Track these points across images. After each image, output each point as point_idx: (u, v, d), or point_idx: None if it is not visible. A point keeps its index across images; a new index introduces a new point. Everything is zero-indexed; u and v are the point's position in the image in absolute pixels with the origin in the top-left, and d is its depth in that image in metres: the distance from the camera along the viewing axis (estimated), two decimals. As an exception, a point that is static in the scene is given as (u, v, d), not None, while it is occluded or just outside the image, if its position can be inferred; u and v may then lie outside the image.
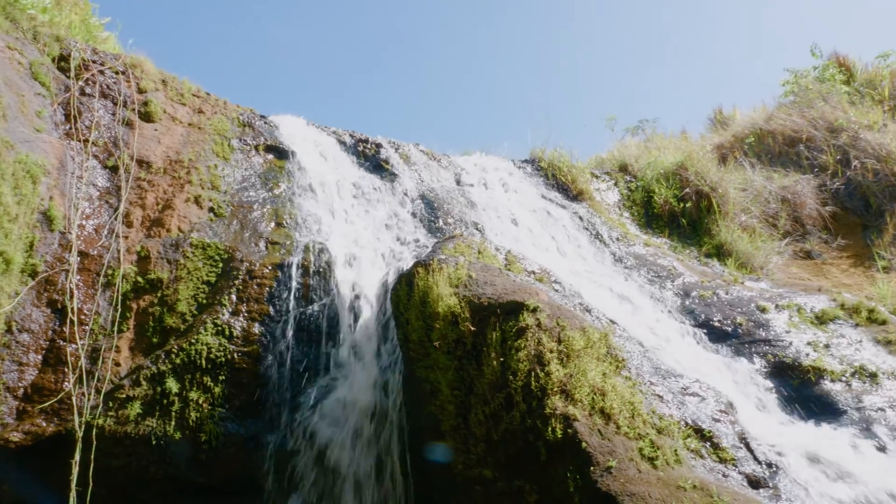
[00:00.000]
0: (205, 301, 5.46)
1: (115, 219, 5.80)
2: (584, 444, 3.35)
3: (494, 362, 3.80)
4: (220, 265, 5.63)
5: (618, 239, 6.60)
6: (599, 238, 6.56)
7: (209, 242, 5.78)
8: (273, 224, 6.03)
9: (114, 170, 6.14)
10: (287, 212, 6.15)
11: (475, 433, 3.76)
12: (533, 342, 3.79)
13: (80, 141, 6.11)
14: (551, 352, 3.74)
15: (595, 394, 3.57)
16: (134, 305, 5.44)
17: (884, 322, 5.43)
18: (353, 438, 4.68)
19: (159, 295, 5.47)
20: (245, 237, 5.86)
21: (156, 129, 6.67)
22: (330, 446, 4.72)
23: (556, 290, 4.73)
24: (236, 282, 5.46)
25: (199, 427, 4.87)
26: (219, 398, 4.99)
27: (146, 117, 6.69)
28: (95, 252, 5.55)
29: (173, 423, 4.87)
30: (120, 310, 5.36)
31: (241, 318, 5.29)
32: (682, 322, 5.29)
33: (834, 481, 3.69)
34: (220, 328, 5.22)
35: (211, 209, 6.16)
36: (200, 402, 4.96)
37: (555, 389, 3.58)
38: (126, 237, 5.74)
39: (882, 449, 4.07)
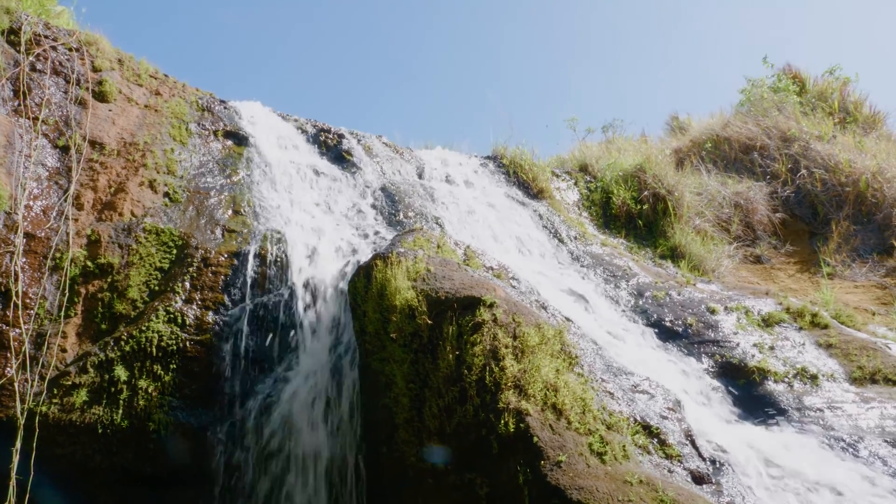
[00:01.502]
0: (157, 288, 5.34)
1: (65, 200, 5.62)
2: (535, 439, 3.40)
3: (450, 356, 3.82)
4: (175, 252, 5.51)
5: (576, 238, 6.69)
6: (558, 236, 6.64)
7: (163, 228, 5.65)
8: (230, 211, 5.93)
9: (64, 150, 5.94)
10: (245, 199, 6.04)
11: (429, 426, 3.78)
12: (489, 337, 3.82)
13: (29, 119, 5.89)
14: (506, 347, 3.77)
15: (548, 389, 3.63)
16: (82, 290, 5.28)
17: (826, 326, 5.65)
18: (308, 429, 4.65)
19: (109, 280, 5.33)
20: (201, 224, 5.74)
21: (110, 110, 6.48)
22: (283, 437, 4.68)
23: (514, 287, 4.78)
24: (191, 269, 5.35)
25: (148, 416, 4.77)
26: (169, 387, 4.89)
27: (100, 97, 6.48)
28: (43, 234, 5.37)
29: (121, 411, 4.75)
30: (67, 294, 5.20)
31: (194, 307, 5.19)
32: (635, 321, 5.40)
33: (774, 477, 3.83)
34: (172, 316, 5.11)
35: (166, 194, 6.02)
36: (150, 390, 4.86)
37: (509, 384, 3.62)
38: (76, 220, 5.57)
39: (819, 448, 4.23)
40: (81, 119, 6.19)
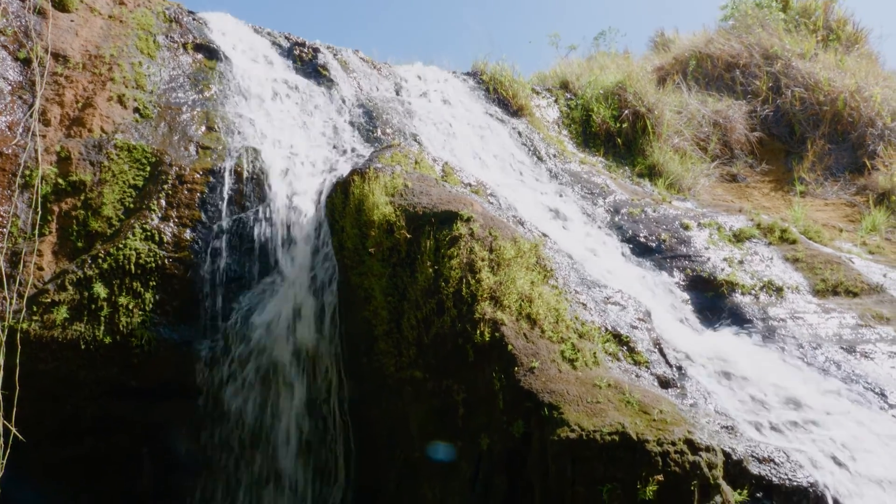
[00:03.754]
0: (132, 206, 5.28)
1: (31, 116, 5.44)
2: (510, 347, 3.53)
3: (428, 269, 3.88)
4: (148, 169, 5.42)
5: (555, 156, 6.69)
6: (537, 154, 6.63)
7: (135, 145, 5.53)
8: (204, 128, 5.80)
9: (26, 63, 5.70)
10: (219, 115, 5.91)
11: (407, 337, 3.89)
12: (465, 251, 3.88)
13: (-15, 28, 5.61)
14: (483, 260, 3.84)
15: (523, 300, 3.73)
16: (55, 208, 5.21)
17: (794, 241, 5.80)
18: (287, 344, 4.75)
19: (82, 198, 5.25)
20: (174, 140, 5.63)
21: (72, 20, 6.18)
22: (264, 352, 4.79)
23: (491, 203, 4.81)
24: (165, 186, 5.28)
25: (131, 332, 4.83)
26: (150, 304, 4.93)
27: (60, 6, 6.17)
28: (10, 151, 5.23)
29: (103, 327, 4.80)
30: (40, 213, 5.13)
31: (171, 224, 5.17)
32: (610, 237, 5.50)
33: (735, 381, 4.03)
34: (149, 233, 5.09)
35: (136, 110, 5.86)
36: (131, 307, 4.90)
37: (485, 296, 3.71)
38: (44, 136, 5.42)
39: (780, 355, 4.45)
40: (42, 30, 5.91)
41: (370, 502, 4.18)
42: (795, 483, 3.23)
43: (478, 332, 3.60)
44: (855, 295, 5.18)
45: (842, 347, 4.53)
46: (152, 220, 5.15)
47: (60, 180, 5.27)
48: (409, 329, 3.88)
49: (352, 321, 4.37)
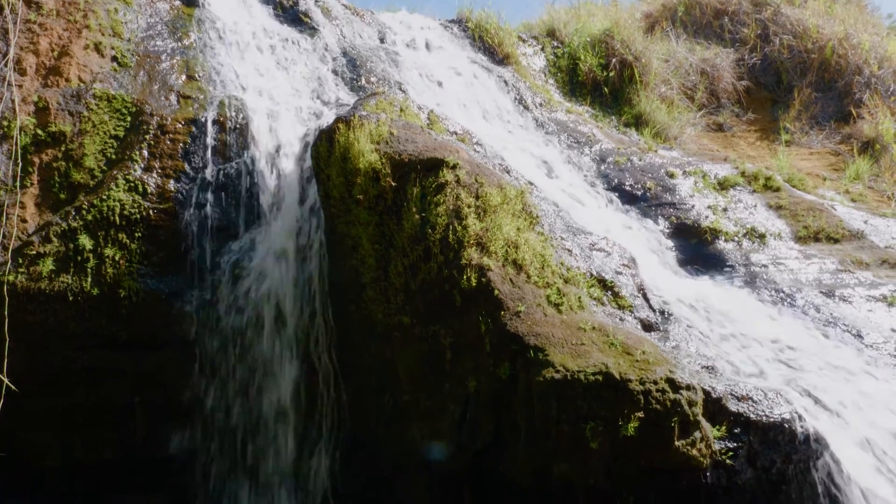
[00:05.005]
0: (114, 156, 5.21)
1: (6, 65, 5.30)
2: (496, 292, 3.57)
3: (414, 217, 3.90)
4: (129, 119, 5.32)
5: (541, 105, 6.64)
6: (523, 103, 6.58)
7: (114, 94, 5.41)
8: (184, 77, 5.68)
9: (-3, 9, 5.51)
10: (199, 64, 5.78)
11: (394, 284, 3.92)
12: (452, 197, 3.89)
13: (-48, -28, 5.41)
14: (469, 207, 3.86)
15: (509, 246, 3.76)
16: (36, 160, 5.13)
17: (778, 189, 5.86)
18: (275, 293, 4.78)
19: (63, 149, 5.17)
20: (154, 90, 5.52)
21: (43, -36, 5.95)
22: (253, 302, 4.81)
23: (477, 152, 4.79)
24: (147, 137, 5.21)
25: (118, 283, 4.84)
26: (136, 255, 4.92)
27: (30, -51, 5.93)
28: (-15, 101, 5.11)
29: (90, 279, 4.80)
30: (21, 164, 5.05)
31: (154, 175, 5.12)
32: (596, 185, 5.52)
33: (716, 324, 4.13)
34: (132, 184, 5.04)
35: (114, 58, 5.72)
36: (117, 258, 4.88)
37: (471, 242, 3.74)
38: (20, 86, 5.29)
39: (761, 299, 4.54)
40: (11, -26, 5.70)
41: (360, 445, 4.28)
42: (771, 419, 3.34)
43: (464, 277, 3.64)
44: (836, 241, 5.27)
45: (821, 292, 4.63)
46: (135, 170, 5.09)
47: (39, 131, 5.18)
48: (397, 276, 3.92)
49: (339, 270, 4.39)
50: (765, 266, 4.88)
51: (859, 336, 4.20)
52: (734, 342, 4.01)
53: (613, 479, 3.25)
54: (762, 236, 5.18)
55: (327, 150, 4.38)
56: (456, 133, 4.91)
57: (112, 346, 4.86)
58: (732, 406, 3.35)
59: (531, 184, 4.72)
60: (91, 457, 4.86)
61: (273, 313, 4.72)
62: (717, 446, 3.25)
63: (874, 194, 6.92)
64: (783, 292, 4.57)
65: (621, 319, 3.77)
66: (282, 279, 4.68)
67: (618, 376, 3.17)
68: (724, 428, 3.30)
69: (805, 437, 3.29)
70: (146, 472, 4.82)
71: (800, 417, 3.35)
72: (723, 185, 5.70)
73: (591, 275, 3.95)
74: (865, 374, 3.82)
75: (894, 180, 7.29)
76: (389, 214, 4.03)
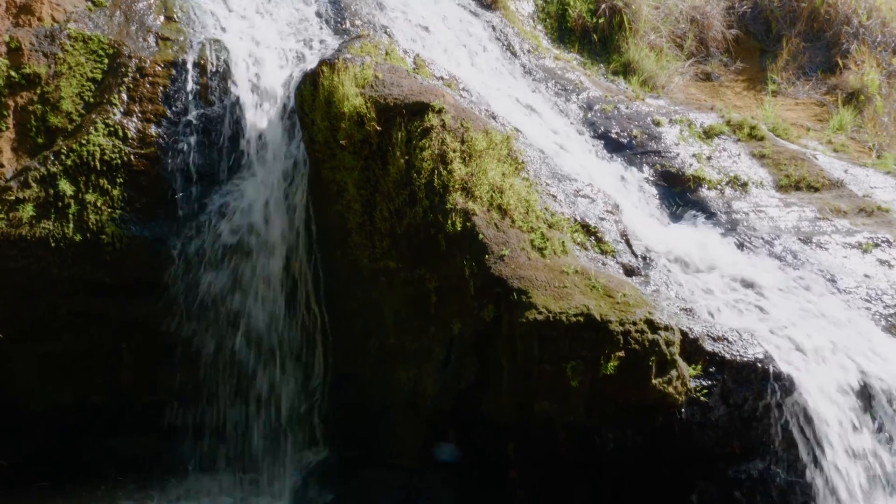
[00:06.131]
0: (92, 100, 5.10)
1: (-26, 3, 5.12)
2: (480, 236, 3.61)
3: (400, 161, 3.89)
4: (106, 61, 5.19)
5: (529, 51, 6.56)
6: (511, 49, 6.49)
7: (90, 35, 5.26)
8: (162, 18, 5.52)
9: (-36, -57, 5.28)
10: (177, 5, 5.60)
11: (380, 228, 3.95)
12: (437, 142, 3.88)
13: None
14: (454, 151, 3.86)
15: (494, 191, 3.78)
16: (11, 103, 5.01)
17: (762, 138, 5.89)
18: (260, 239, 4.78)
19: (39, 92, 5.05)
20: (131, 31, 5.36)
21: None
22: (238, 248, 4.82)
23: (464, 97, 4.75)
24: (126, 80, 5.09)
25: (101, 230, 4.82)
26: (118, 201, 4.89)
27: None
28: (-44, 40, 4.95)
29: (72, 225, 4.77)
30: (-5, 107, 4.94)
31: (134, 119, 5.03)
32: (582, 133, 5.51)
33: (696, 269, 4.21)
34: (112, 129, 4.96)
35: (88, -3, 5.53)
36: (99, 204, 4.85)
37: (456, 187, 3.75)
38: (-9, 25, 5.12)
39: (741, 245, 4.63)
40: None
41: (348, 388, 4.37)
42: (745, 359, 3.46)
43: (449, 221, 3.67)
44: (816, 190, 5.34)
45: (799, 238, 4.72)
46: (114, 114, 5.00)
47: (13, 73, 5.04)
48: (382, 221, 3.94)
49: (324, 215, 4.40)
50: (746, 213, 4.95)
51: (833, 281, 4.30)
52: (713, 285, 4.10)
53: (592, 416, 3.36)
54: (745, 184, 5.23)
55: (311, 93, 4.32)
56: (442, 78, 4.85)
57: (97, 292, 4.87)
58: (708, 346, 3.46)
59: (517, 130, 4.70)
60: (79, 401, 4.92)
61: (259, 260, 4.73)
62: (692, 384, 3.37)
63: (856, 145, 6.98)
64: (762, 239, 4.65)
65: (604, 264, 3.84)
66: (267, 225, 4.68)
67: (599, 317, 3.25)
68: (699, 367, 3.41)
69: (776, 376, 3.42)
70: (136, 416, 4.89)
71: (772, 357, 3.47)
72: (708, 134, 5.72)
73: (575, 220, 3.99)
74: (837, 317, 3.93)
75: (876, 131, 7.34)
76: (374, 159, 4.02)
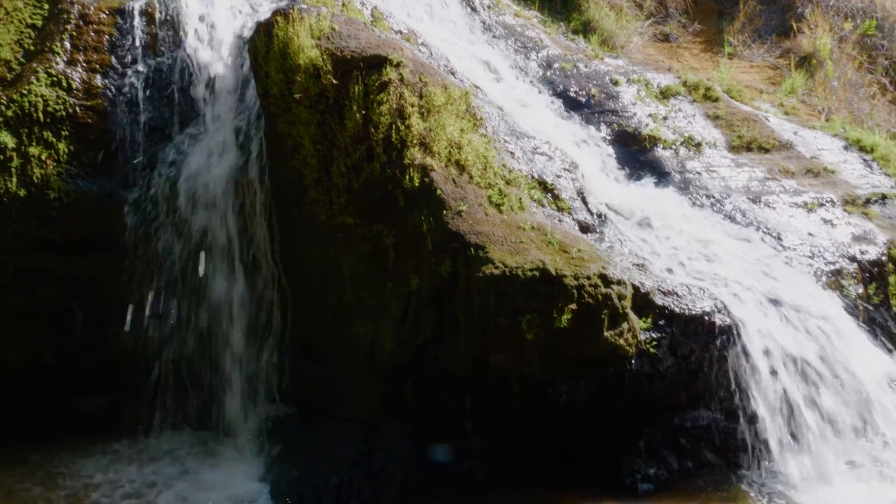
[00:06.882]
0: (32, 48, 4.86)
1: None
2: (438, 192, 3.62)
3: (357, 116, 3.84)
4: (46, 6, 4.93)
5: (489, 7, 6.48)
6: (471, 5, 6.39)
7: (28, -22, 4.98)
8: (106, -38, 5.25)
9: None
10: (122, -52, 5.33)
11: (337, 184, 3.91)
12: (395, 96, 3.84)
13: None
14: (412, 106, 3.82)
15: (452, 147, 3.78)
16: (-56, 49, 4.75)
17: (717, 100, 5.99)
18: (215, 197, 4.68)
19: (-26, 38, 4.78)
20: (73, -25, 5.09)
21: None
22: (191, 206, 4.71)
23: (422, 52, 4.69)
24: (68, 27, 4.85)
25: (46, 184, 4.65)
26: (64, 155, 4.71)
27: None
28: None
29: (15, 179, 4.59)
30: (-74, 53, 4.67)
31: (79, 69, 4.82)
32: (541, 91, 5.51)
33: (649, 227, 4.31)
34: (55, 79, 4.74)
35: (25, -63, 5.21)
36: (44, 158, 4.67)
37: (414, 142, 3.73)
38: (-82, -35, 4.80)
39: (693, 204, 4.74)
40: None
41: (305, 344, 4.37)
42: (693, 312, 3.59)
43: (407, 177, 3.65)
44: (766, 151, 5.48)
45: (749, 198, 4.86)
46: (57, 64, 4.78)
47: (-55, 17, 4.76)
48: (339, 176, 3.89)
49: (280, 171, 4.33)
50: (699, 173, 5.07)
51: (779, 238, 4.46)
52: (665, 243, 4.20)
53: (546, 369, 3.46)
54: (698, 145, 5.33)
55: (265, 45, 4.20)
56: (401, 32, 4.77)
57: (45, 248, 4.72)
58: (659, 300, 3.57)
59: (476, 87, 4.68)
60: (30, 361, 4.80)
61: (213, 216, 4.64)
62: (642, 337, 3.48)
63: (806, 108, 7.16)
64: (714, 197, 4.77)
65: (560, 220, 3.89)
66: (221, 181, 4.58)
67: (554, 272, 3.31)
68: (650, 320, 3.52)
69: (721, 329, 3.56)
70: (89, 375, 4.81)
71: (718, 311, 3.61)
72: (665, 95, 5.78)
73: (533, 177, 4.02)
74: (781, 273, 4.09)
75: (826, 95, 7.54)
76: (331, 113, 3.95)
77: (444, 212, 3.55)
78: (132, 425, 4.72)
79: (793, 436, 3.54)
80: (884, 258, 4.57)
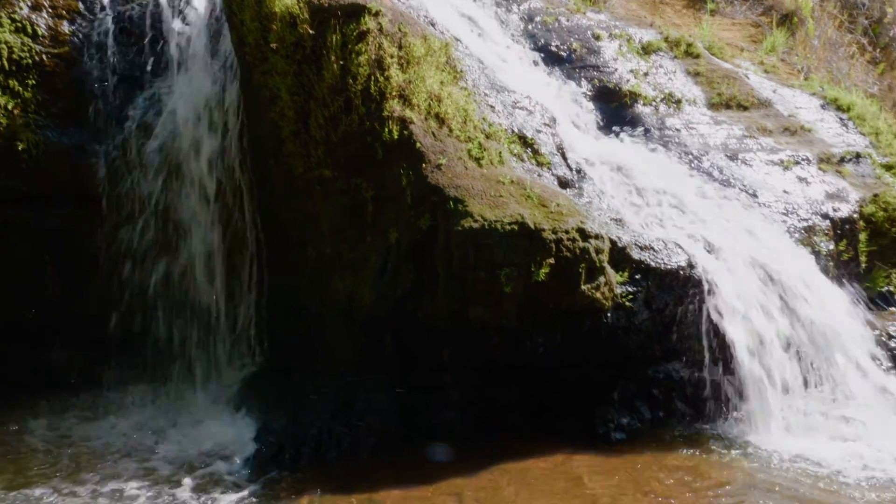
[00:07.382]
0: (-6, -9, 4.65)
1: None
2: (418, 145, 3.58)
3: (334, 66, 3.76)
4: (8, -53, 4.71)
5: (470, -43, 6.31)
6: (452, -46, 6.23)
7: (-13, -84, 4.73)
8: None
9: None
10: None
11: (315, 137, 3.85)
12: (374, 47, 3.75)
13: None
14: (392, 57, 3.74)
15: (432, 99, 3.72)
16: None
17: (698, 56, 5.95)
18: (189, 149, 4.59)
19: (-69, -21, 4.56)
20: (35, -86, 4.85)
21: None
22: (164, 156, 4.62)
23: (402, 1, 4.57)
24: (32, -31, 4.65)
25: (14, 135, 4.53)
26: (32, 104, 4.59)
27: None
28: None
29: (-20, 129, 4.45)
30: None
31: (44, 15, 4.64)
32: (523, 45, 5.43)
33: (627, 182, 4.33)
34: (19, 25, 4.57)
35: None
36: (10, 108, 4.53)
37: (393, 94, 3.67)
38: None
39: (670, 158, 4.76)
40: None
41: (284, 298, 4.36)
42: (668, 266, 3.64)
43: (386, 130, 3.61)
44: (745, 108, 5.49)
45: (726, 155, 4.89)
46: (21, 9, 4.60)
47: None
48: (317, 128, 3.83)
49: (257, 123, 4.24)
50: (678, 130, 5.07)
51: (755, 196, 4.51)
52: (643, 198, 4.23)
53: (524, 321, 3.50)
54: (678, 101, 5.32)
55: (239, -9, 4.06)
56: (379, -20, 4.63)
57: (14, 201, 4.63)
58: (635, 255, 3.61)
59: (457, 38, 4.59)
60: (4, 314, 4.75)
61: (187, 168, 4.56)
62: (618, 290, 3.53)
63: (786, 66, 7.16)
64: (692, 154, 4.79)
65: (539, 175, 3.89)
66: (196, 132, 4.48)
67: (532, 226, 3.32)
68: (626, 274, 3.57)
69: (696, 282, 3.62)
70: (66, 328, 4.77)
71: (692, 265, 3.66)
72: (646, 50, 5.73)
73: (513, 132, 3.99)
74: (756, 229, 4.15)
75: (806, 54, 7.55)
76: (308, 64, 3.86)
77: (424, 165, 3.52)
78: (110, 379, 4.72)
79: (759, 388, 3.65)
80: (855, 216, 4.66)
